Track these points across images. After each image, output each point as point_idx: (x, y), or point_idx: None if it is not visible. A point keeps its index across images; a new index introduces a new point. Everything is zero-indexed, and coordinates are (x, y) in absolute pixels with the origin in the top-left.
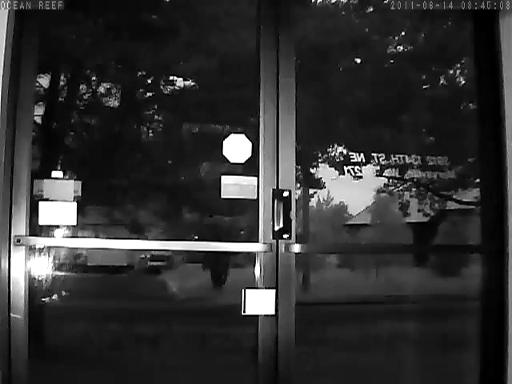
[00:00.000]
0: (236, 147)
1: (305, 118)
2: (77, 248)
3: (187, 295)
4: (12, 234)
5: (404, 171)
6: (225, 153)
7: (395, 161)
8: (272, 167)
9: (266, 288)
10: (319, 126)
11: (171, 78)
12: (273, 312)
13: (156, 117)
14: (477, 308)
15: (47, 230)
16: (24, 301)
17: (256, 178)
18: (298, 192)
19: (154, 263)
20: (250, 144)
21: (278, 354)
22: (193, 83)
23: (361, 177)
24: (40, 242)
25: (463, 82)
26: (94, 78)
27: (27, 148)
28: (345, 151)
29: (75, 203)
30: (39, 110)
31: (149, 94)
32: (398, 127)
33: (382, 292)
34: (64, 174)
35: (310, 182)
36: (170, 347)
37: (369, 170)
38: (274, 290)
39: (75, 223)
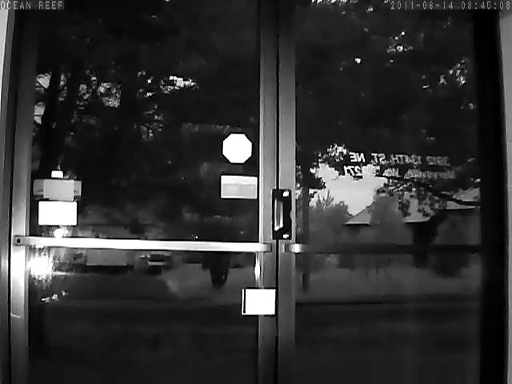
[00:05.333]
0: (236, 147)
1: (305, 117)
2: (77, 248)
3: (187, 295)
4: (12, 234)
5: (404, 171)
6: (225, 153)
7: (395, 161)
8: (272, 167)
9: (265, 288)
10: (319, 125)
11: (171, 78)
12: (273, 312)
13: (156, 117)
14: (477, 308)
15: (47, 230)
16: (24, 301)
17: (256, 178)
18: (298, 192)
19: (154, 263)
20: (250, 144)
21: (278, 354)
22: (193, 83)
23: (361, 177)
24: (40, 241)
25: (463, 82)
26: (94, 78)
27: (27, 148)
28: (345, 151)
29: (75, 203)
30: (39, 110)
31: (149, 94)
32: (398, 127)
33: (382, 292)
34: (64, 174)
35: (309, 182)
36: (170, 347)
37: (369, 169)
38: (274, 290)
39: (75, 223)
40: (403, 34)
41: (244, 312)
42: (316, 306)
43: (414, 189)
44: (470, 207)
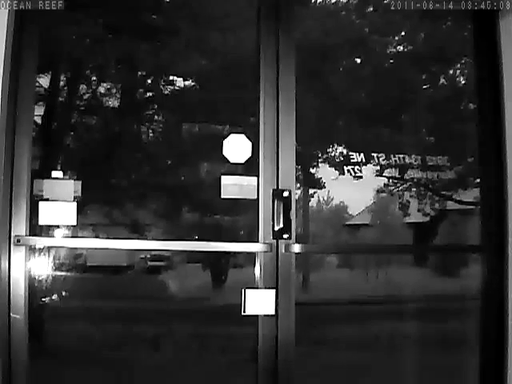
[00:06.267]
0: (236, 147)
1: (305, 117)
2: (77, 248)
3: (187, 295)
4: (12, 234)
5: (404, 171)
6: (225, 153)
7: (395, 161)
8: (272, 167)
9: (265, 288)
10: (319, 125)
11: (171, 78)
12: (273, 312)
13: (156, 117)
14: (477, 308)
15: (47, 230)
16: (24, 301)
17: (256, 178)
18: (298, 192)
19: (154, 263)
20: (249, 144)
21: (278, 354)
22: (193, 83)
23: (361, 177)
24: (40, 242)
25: (463, 82)
26: (94, 78)
27: (27, 148)
28: (345, 151)
29: (75, 203)
30: (39, 110)
31: (149, 94)
32: (398, 127)
33: (381, 292)
34: (64, 174)
35: (309, 181)
36: (170, 347)
37: (369, 169)
38: (273, 290)
39: (75, 223)
40: (403, 34)
41: (244, 312)
42: (316, 306)
43: (413, 189)
44: (469, 207)
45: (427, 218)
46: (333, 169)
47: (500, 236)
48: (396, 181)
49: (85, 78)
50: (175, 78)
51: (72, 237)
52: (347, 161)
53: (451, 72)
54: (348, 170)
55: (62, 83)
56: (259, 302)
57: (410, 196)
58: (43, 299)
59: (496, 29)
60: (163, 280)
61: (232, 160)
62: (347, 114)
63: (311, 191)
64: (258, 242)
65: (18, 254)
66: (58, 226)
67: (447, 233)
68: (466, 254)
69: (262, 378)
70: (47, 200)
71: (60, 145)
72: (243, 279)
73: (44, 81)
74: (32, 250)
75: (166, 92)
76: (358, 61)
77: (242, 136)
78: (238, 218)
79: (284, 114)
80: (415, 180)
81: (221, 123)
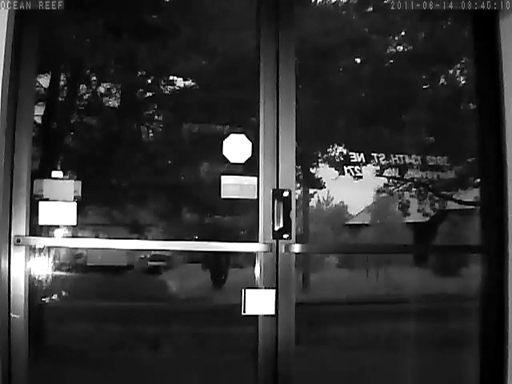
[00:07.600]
0: (236, 147)
1: (305, 117)
2: (77, 248)
3: (187, 295)
4: (12, 234)
5: (404, 171)
6: (225, 153)
7: (395, 161)
8: (272, 167)
9: (265, 288)
10: (319, 125)
11: (171, 77)
12: (273, 312)
13: (156, 117)
14: (477, 308)
15: (47, 230)
16: (24, 301)
17: (256, 178)
18: (298, 192)
19: (154, 263)
20: (249, 144)
21: (278, 354)
22: (193, 83)
23: (361, 177)
24: (40, 241)
25: (463, 82)
26: (94, 78)
27: (27, 148)
28: (345, 151)
29: (75, 203)
30: (39, 110)
31: (149, 94)
32: (398, 127)
33: (381, 292)
34: (64, 174)
35: (309, 181)
36: (170, 347)
37: (369, 169)
38: (273, 290)
39: (75, 223)
40: (403, 33)
41: (244, 312)
42: (316, 306)
43: (414, 189)
44: (470, 207)
45: (427, 218)
46: (333, 169)
47: (500, 236)
48: (396, 181)
49: (85, 78)
50: (175, 77)
51: (72, 237)
52: (347, 161)
53: (451, 72)
54: (348, 170)
55: (62, 83)
56: (259, 302)
57: (410, 196)
58: (43, 299)
59: (496, 29)
60: (163, 280)
61: (232, 160)
62: (347, 114)
63: (311, 191)
64: (258, 241)
65: (18, 254)
66: (58, 226)
67: (447, 233)
68: (466, 253)
69: (261, 377)
70: (47, 200)
71: (60, 145)
72: (243, 279)
73: (44, 81)
74: (32, 249)
75: (166, 92)
76: (358, 61)
77: (242, 136)
78: (238, 218)
79: (284, 114)
80: (415, 180)
81: (221, 123)
